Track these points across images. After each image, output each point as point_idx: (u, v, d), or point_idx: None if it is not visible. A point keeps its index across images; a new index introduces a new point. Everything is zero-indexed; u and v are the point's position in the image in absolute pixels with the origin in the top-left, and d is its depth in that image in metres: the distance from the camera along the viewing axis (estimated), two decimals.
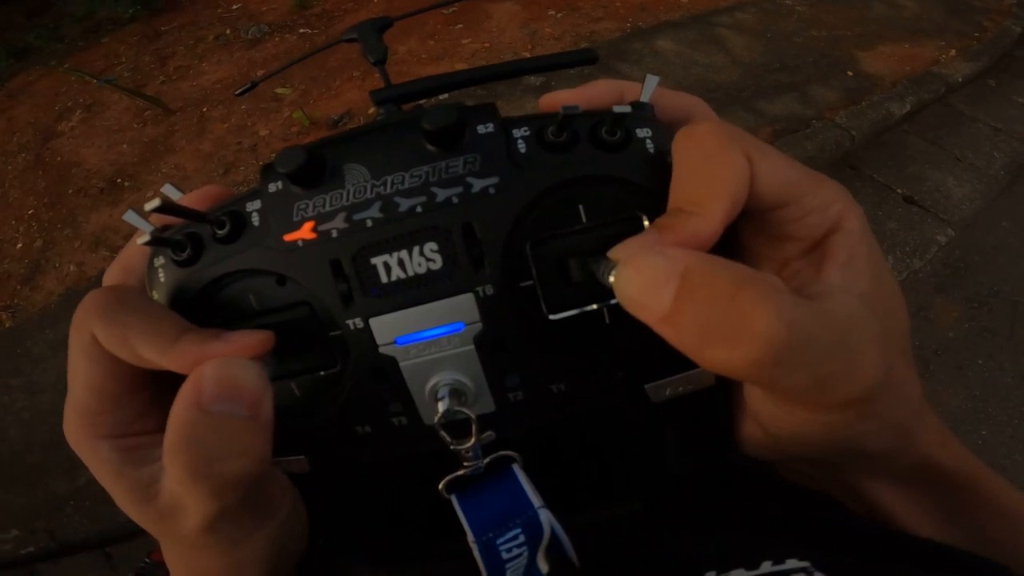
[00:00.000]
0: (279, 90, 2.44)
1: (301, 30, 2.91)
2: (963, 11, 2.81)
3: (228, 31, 3.00)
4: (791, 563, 0.17)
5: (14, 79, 3.02)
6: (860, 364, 0.16)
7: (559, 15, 2.71)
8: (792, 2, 2.81)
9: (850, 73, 2.37)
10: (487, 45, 2.55)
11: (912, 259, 1.80)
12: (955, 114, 2.32)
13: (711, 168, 0.17)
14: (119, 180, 2.24)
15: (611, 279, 0.17)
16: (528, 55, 2.42)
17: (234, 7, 3.17)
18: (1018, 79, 2.50)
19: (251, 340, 0.18)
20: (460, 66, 2.38)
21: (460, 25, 2.69)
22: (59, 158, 2.42)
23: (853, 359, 0.16)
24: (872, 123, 2.12)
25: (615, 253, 0.17)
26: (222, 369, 0.17)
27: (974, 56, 2.49)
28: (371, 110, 2.22)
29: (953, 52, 2.51)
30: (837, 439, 0.18)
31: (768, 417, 0.19)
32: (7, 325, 1.80)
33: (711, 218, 0.17)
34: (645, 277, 0.16)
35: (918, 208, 1.95)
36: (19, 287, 1.92)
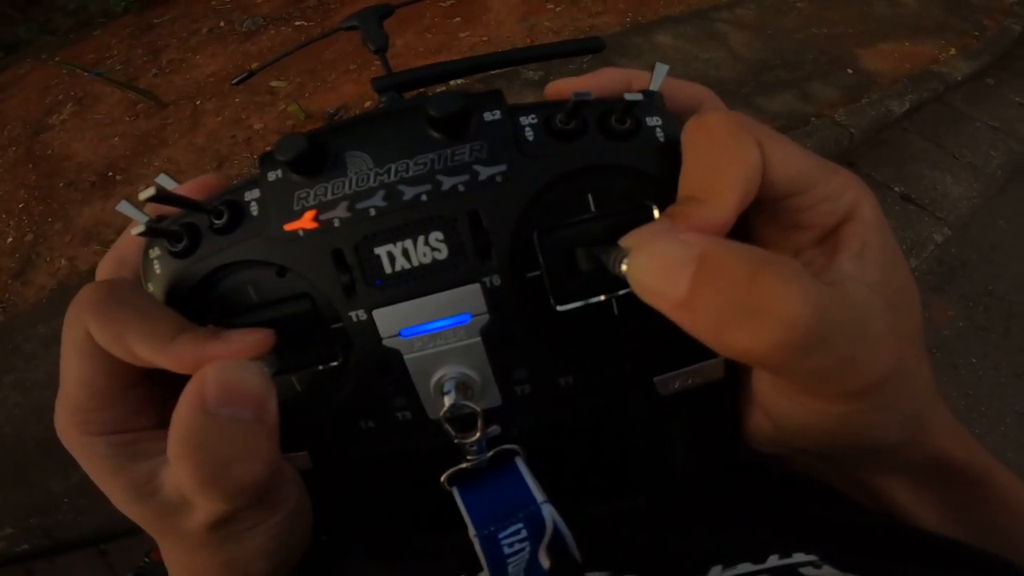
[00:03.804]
0: (274, 83, 2.41)
1: (296, 22, 2.88)
2: (963, 9, 2.79)
3: (222, 23, 2.96)
4: (798, 556, 0.17)
5: (4, 73, 2.97)
6: (877, 351, 0.15)
7: (558, 9, 2.69)
8: None
9: (850, 71, 2.36)
10: (485, 39, 2.52)
11: (908, 258, 1.80)
12: (954, 113, 2.31)
13: (723, 157, 0.17)
14: (111, 173, 2.21)
15: (623, 267, 0.16)
16: None
17: None
18: (1017, 78, 2.48)
19: (251, 339, 0.18)
20: None
21: (458, 18, 2.67)
22: (50, 151, 2.39)
23: (872, 345, 0.15)
24: (871, 121, 2.11)
25: (626, 241, 0.17)
26: (225, 372, 0.16)
27: (974, 55, 2.48)
28: (367, 103, 2.20)
29: (953, 51, 2.50)
30: (848, 431, 0.18)
31: (776, 409, 0.19)
32: None
33: (723, 206, 0.16)
34: (660, 263, 0.15)
35: (915, 206, 1.94)
36: (10, 282, 1.90)
